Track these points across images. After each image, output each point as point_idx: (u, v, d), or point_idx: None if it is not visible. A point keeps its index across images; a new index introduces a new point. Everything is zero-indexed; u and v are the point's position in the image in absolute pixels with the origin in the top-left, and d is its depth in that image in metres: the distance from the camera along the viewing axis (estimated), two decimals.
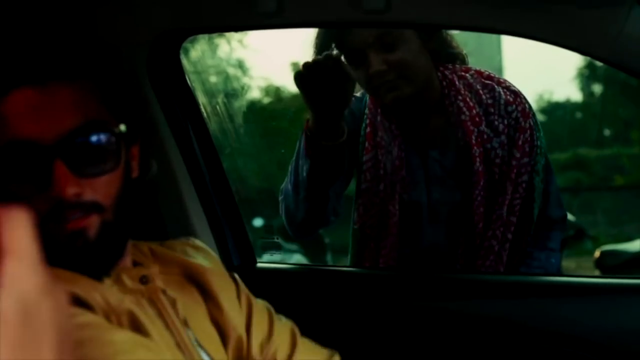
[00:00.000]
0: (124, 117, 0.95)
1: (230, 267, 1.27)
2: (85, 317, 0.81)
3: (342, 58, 1.48)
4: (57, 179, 0.85)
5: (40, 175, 0.86)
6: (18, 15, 1.28)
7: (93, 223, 0.89)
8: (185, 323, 0.95)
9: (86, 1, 1.37)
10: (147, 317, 0.90)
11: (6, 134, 0.86)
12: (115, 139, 0.91)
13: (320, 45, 1.57)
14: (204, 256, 1.11)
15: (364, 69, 1.54)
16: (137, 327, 0.86)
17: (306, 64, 1.45)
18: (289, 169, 1.63)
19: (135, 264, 0.99)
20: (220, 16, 1.37)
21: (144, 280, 0.95)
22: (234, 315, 1.04)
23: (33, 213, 0.82)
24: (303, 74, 1.45)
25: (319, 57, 1.46)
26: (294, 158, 1.61)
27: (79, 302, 0.83)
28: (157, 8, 1.39)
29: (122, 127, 0.93)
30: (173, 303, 0.95)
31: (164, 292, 0.95)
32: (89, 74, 0.92)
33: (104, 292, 0.87)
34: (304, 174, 1.56)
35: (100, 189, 0.89)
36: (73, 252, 0.88)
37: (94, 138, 0.89)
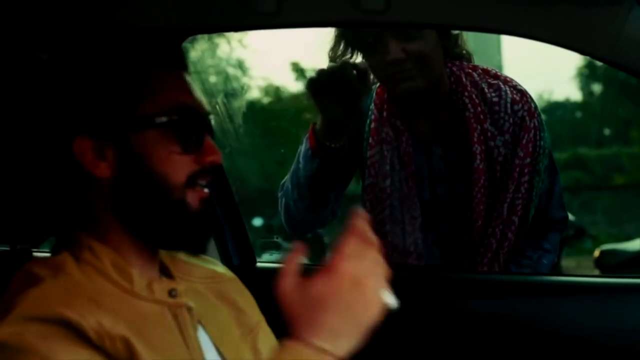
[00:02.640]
0: None
1: (230, 266, 1.27)
2: None
3: (358, 66, 1.49)
4: (207, 145, 0.95)
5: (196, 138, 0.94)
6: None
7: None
8: (206, 335, 0.99)
9: (84, 0, 1.37)
10: (167, 331, 0.92)
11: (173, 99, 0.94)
12: None
13: (340, 34, 1.58)
14: (214, 265, 1.15)
15: (381, 56, 1.54)
16: (131, 353, 0.86)
17: (320, 71, 1.47)
18: (292, 168, 1.63)
19: (162, 270, 1.02)
20: (219, 16, 1.37)
21: (172, 293, 0.96)
22: (252, 314, 1.11)
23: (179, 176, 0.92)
24: (316, 81, 1.47)
25: (333, 64, 1.47)
26: (296, 159, 1.61)
27: (72, 328, 0.83)
28: (154, 8, 1.39)
29: None
30: (194, 319, 0.97)
31: (188, 309, 0.97)
32: None
33: (100, 316, 0.86)
34: (307, 175, 1.56)
35: None
36: (202, 218, 0.95)
37: None
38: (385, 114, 1.65)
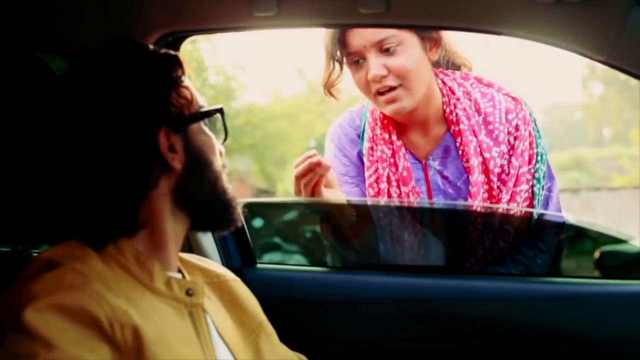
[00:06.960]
0: None
1: (230, 268, 1.28)
2: None
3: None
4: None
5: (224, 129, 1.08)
6: None
7: None
8: (218, 335, 1.02)
9: (86, 2, 1.37)
10: (182, 328, 0.95)
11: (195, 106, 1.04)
12: None
13: (329, 54, 1.60)
14: (215, 267, 1.19)
15: (364, 72, 1.54)
16: (139, 343, 0.88)
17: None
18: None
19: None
20: (219, 17, 1.38)
21: (189, 292, 1.00)
22: (255, 315, 1.15)
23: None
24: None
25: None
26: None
27: (87, 317, 0.85)
28: (156, 9, 1.39)
29: None
30: (208, 319, 1.02)
31: (204, 309, 1.01)
32: None
33: (114, 302, 0.88)
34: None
35: None
36: (234, 196, 1.07)
37: None
38: (379, 132, 1.64)
